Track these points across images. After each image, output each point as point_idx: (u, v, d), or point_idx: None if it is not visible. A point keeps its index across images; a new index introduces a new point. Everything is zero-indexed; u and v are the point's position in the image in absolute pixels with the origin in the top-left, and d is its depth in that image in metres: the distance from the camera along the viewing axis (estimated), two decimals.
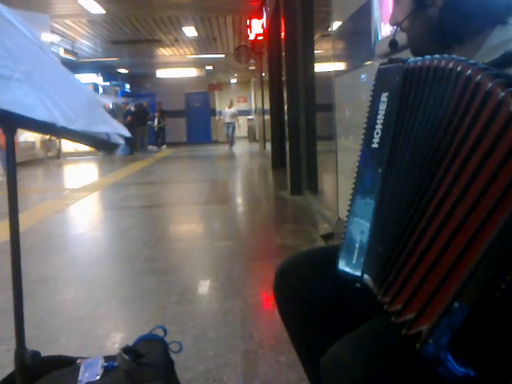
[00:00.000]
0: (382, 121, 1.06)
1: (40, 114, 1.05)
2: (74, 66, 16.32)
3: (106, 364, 1.53)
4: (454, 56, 0.96)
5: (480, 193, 0.83)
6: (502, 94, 0.81)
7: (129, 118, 19.07)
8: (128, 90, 24.20)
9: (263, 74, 14.24)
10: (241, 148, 19.58)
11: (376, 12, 3.05)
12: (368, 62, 3.31)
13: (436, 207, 0.91)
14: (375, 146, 1.07)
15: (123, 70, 22.40)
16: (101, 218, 6.73)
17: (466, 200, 0.85)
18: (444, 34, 1.15)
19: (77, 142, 1.20)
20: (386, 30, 2.89)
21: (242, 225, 5.88)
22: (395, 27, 1.26)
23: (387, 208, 1.04)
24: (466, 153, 0.86)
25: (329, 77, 4.69)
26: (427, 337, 0.89)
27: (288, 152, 7.41)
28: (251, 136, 22.41)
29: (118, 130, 1.15)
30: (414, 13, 1.18)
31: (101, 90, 20.48)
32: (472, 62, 0.91)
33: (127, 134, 1.17)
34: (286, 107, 7.33)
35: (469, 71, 0.87)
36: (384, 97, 1.06)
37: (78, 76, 17.24)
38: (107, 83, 21.38)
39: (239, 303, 3.08)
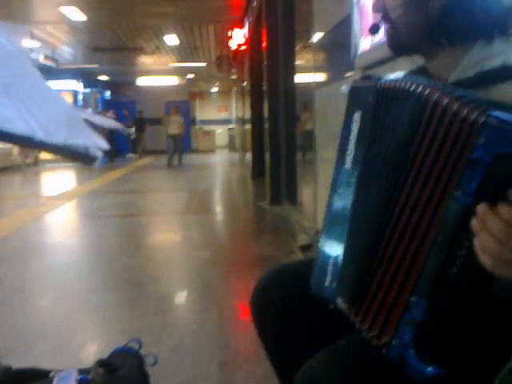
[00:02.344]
0: (354, 141, 1.07)
1: (18, 127, 1.04)
2: (54, 73, 16.19)
3: (79, 377, 1.51)
4: (420, 78, 0.99)
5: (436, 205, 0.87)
6: (471, 115, 0.83)
7: None
8: (108, 97, 24.07)
9: (244, 84, 14.29)
10: (221, 157, 19.56)
11: (356, 26, 3.09)
12: (348, 74, 3.34)
13: (402, 229, 0.93)
14: (348, 166, 1.08)
15: (104, 77, 22.29)
16: (78, 226, 6.67)
17: (426, 215, 0.89)
18: (443, 32, 1.08)
19: (54, 154, 1.18)
20: (365, 43, 2.92)
21: (220, 235, 5.87)
22: (380, 14, 1.15)
23: (359, 230, 1.06)
24: (436, 176, 0.88)
25: (310, 88, 4.73)
26: (391, 339, 0.92)
27: (267, 162, 7.43)
28: (231, 145, 22.42)
29: (96, 143, 1.14)
30: (413, 1, 1.09)
31: (81, 96, 20.36)
32: (440, 85, 0.94)
33: (106, 147, 1.17)
34: (266, 117, 7.36)
35: (436, 96, 0.89)
36: (357, 116, 1.07)
37: (57, 82, 17.20)
38: (87, 90, 21.26)
39: (216, 314, 3.07)
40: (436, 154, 0.88)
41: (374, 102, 1.03)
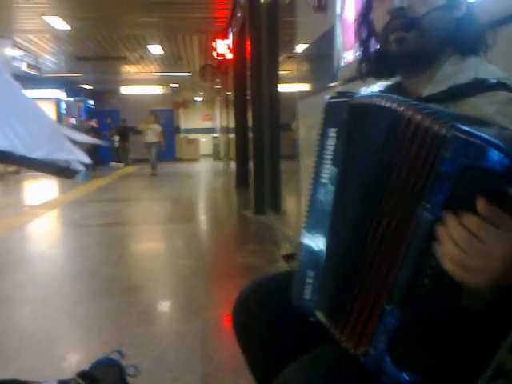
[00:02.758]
0: (330, 157, 1.09)
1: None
2: (37, 81, 16.11)
3: None
4: (395, 95, 1.01)
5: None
6: (439, 129, 0.86)
7: (91, 134, 18.81)
8: (92, 106, 23.97)
9: (228, 93, 14.33)
10: (205, 166, 19.54)
11: (339, 39, 3.13)
12: (331, 84, 3.37)
13: (379, 242, 0.96)
14: (325, 181, 1.10)
15: (87, 86, 22.21)
16: (60, 235, 6.62)
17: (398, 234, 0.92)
18: (457, 41, 1.12)
19: (35, 170, 1.19)
20: (348, 56, 2.96)
21: (203, 244, 5.86)
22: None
23: (338, 244, 1.08)
24: (410, 190, 0.91)
25: (293, 98, 4.76)
26: (368, 347, 0.94)
27: (251, 171, 7.44)
28: (216, 154, 22.42)
29: (78, 157, 1.15)
30: (442, 8, 1.09)
31: (64, 105, 20.25)
32: (412, 102, 0.96)
33: (88, 161, 1.17)
34: (250, 126, 7.38)
35: (409, 112, 0.92)
36: (332, 132, 1.09)
37: (40, 91, 17.08)
38: (71, 99, 21.15)
39: (199, 324, 3.07)
40: (409, 168, 0.91)
41: (349, 118, 1.06)
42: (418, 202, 0.87)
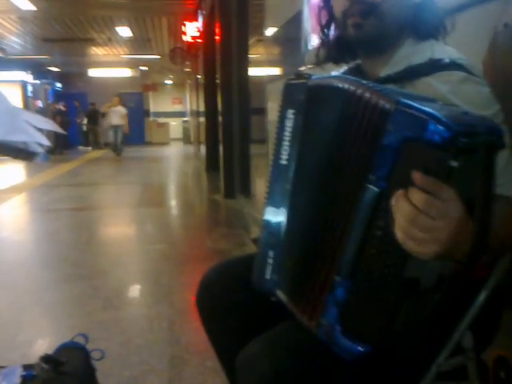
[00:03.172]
0: (289, 138, 1.10)
1: None
2: (2, 63, 15.74)
3: (24, 373, 1.50)
4: (349, 76, 1.06)
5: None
6: (384, 103, 0.89)
7: (58, 117, 18.50)
8: (59, 89, 23.54)
9: (198, 77, 14.21)
10: (175, 150, 19.41)
11: (306, 22, 3.13)
12: (301, 68, 3.37)
13: (333, 217, 0.99)
14: (284, 162, 1.12)
15: (54, 68, 21.77)
16: (27, 220, 6.53)
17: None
18: (416, 26, 1.14)
19: None
20: (315, 40, 2.96)
21: (173, 229, 5.84)
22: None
23: (296, 225, 1.10)
24: (359, 164, 0.94)
25: (265, 82, 4.75)
26: (319, 318, 0.97)
27: (221, 155, 7.43)
28: (186, 138, 22.26)
29: (36, 139, 1.13)
30: None
31: (30, 88, 19.84)
32: (366, 82, 0.99)
33: (47, 143, 1.16)
34: (219, 110, 7.35)
35: (359, 91, 0.95)
36: (290, 114, 1.10)
37: (5, 73, 16.70)
38: (37, 81, 20.72)
39: (167, 308, 3.07)
40: (359, 143, 0.94)
41: (307, 100, 1.07)
42: (366, 176, 0.90)
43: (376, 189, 0.88)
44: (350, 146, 0.96)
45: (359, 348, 0.93)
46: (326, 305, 0.97)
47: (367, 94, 0.93)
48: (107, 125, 15.06)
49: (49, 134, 17.91)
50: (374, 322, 0.92)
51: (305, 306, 1.03)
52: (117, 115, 14.75)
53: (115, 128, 14.78)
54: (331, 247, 0.98)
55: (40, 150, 1.13)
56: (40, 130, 1.16)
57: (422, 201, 0.78)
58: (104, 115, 15.85)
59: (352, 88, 0.97)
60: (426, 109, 0.82)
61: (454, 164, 0.78)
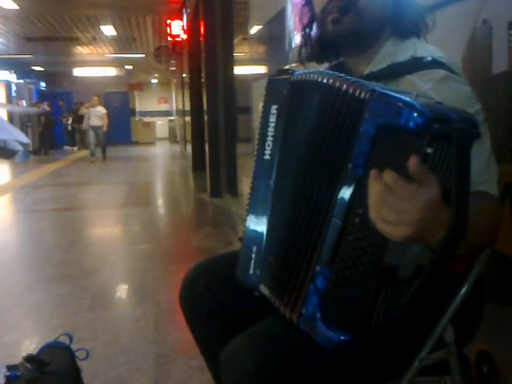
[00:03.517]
0: (272, 133, 1.11)
1: None
2: None
3: (8, 374, 1.49)
4: (331, 71, 1.07)
5: None
6: (360, 93, 0.91)
7: (43, 117, 18.34)
8: (43, 88, 23.36)
9: (184, 75, 14.17)
10: (162, 150, 19.35)
11: (290, 20, 3.13)
12: (285, 67, 3.38)
13: (313, 210, 1.00)
14: (267, 157, 1.13)
15: (38, 68, 21.60)
16: (11, 221, 6.48)
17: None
18: (396, 22, 1.15)
19: None
20: (299, 38, 2.97)
21: (159, 228, 5.83)
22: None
23: (279, 219, 1.11)
24: (338, 153, 0.95)
25: (248, 80, 4.75)
26: (301, 308, 0.98)
27: (207, 154, 7.41)
28: (172, 137, 22.20)
29: (15, 137, 1.12)
30: None
31: (14, 87, 19.66)
32: (347, 77, 1.00)
33: (26, 140, 1.15)
34: (205, 109, 7.33)
35: (338, 83, 0.97)
36: (273, 109, 1.11)
37: None
38: (21, 81, 20.54)
39: (153, 308, 3.06)
40: (338, 133, 0.96)
41: (289, 95, 1.09)
42: (344, 164, 0.92)
43: (353, 176, 0.90)
44: (330, 137, 0.97)
45: (340, 336, 0.93)
46: (306, 295, 0.98)
47: (345, 86, 0.95)
48: (86, 126, 14.36)
49: (34, 134, 17.75)
50: (353, 309, 0.93)
51: (287, 300, 1.04)
52: (96, 116, 14.10)
53: (95, 129, 14.12)
54: (311, 238, 0.99)
55: (19, 147, 1.12)
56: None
57: (392, 180, 0.80)
58: (83, 116, 15.17)
59: (331, 81, 0.98)
60: (401, 97, 0.85)
61: (429, 150, 0.81)
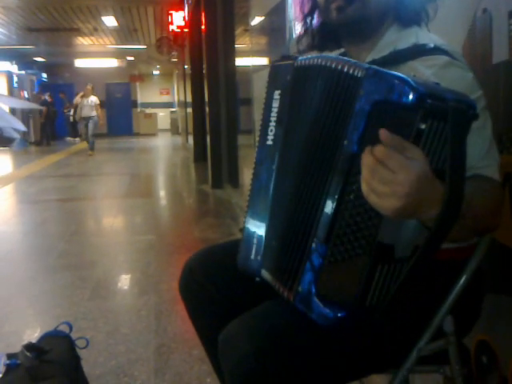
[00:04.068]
0: (275, 118, 1.11)
1: None
2: None
3: (8, 362, 1.50)
4: (333, 55, 1.08)
5: None
6: (355, 71, 0.92)
7: (44, 108, 18.31)
8: (45, 80, 23.33)
9: (185, 67, 14.13)
10: (163, 141, 19.33)
11: (291, 10, 3.12)
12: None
13: (314, 193, 0.99)
14: (269, 143, 1.12)
15: (40, 59, 21.56)
16: (14, 211, 6.49)
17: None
18: (398, 11, 1.15)
19: None
20: (300, 28, 2.95)
21: (161, 219, 5.83)
22: None
23: (281, 204, 1.10)
24: (337, 133, 0.95)
25: (249, 71, 4.74)
26: (297, 286, 0.98)
27: (209, 146, 7.41)
28: (174, 129, 22.17)
29: (12, 125, 1.12)
30: None
31: (16, 78, 19.64)
32: (344, 58, 1.02)
33: (23, 128, 1.15)
34: (206, 100, 7.32)
35: (340, 65, 0.97)
36: (276, 94, 1.11)
37: None
38: (22, 72, 20.52)
39: (154, 298, 3.07)
40: (337, 113, 0.96)
41: (292, 80, 1.09)
42: (341, 142, 0.93)
43: (348, 152, 0.90)
44: (330, 117, 0.98)
45: (336, 313, 0.94)
46: (303, 273, 0.98)
47: (341, 66, 0.96)
48: (79, 117, 13.70)
49: (35, 125, 17.72)
50: (349, 286, 0.93)
51: (286, 280, 1.04)
52: (88, 106, 13.36)
53: (86, 119, 13.35)
54: (309, 218, 0.99)
55: (16, 135, 1.12)
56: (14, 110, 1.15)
57: (382, 153, 0.80)
58: (77, 106, 14.35)
59: (334, 64, 0.99)
60: (395, 73, 0.86)
61: (422, 126, 0.81)
